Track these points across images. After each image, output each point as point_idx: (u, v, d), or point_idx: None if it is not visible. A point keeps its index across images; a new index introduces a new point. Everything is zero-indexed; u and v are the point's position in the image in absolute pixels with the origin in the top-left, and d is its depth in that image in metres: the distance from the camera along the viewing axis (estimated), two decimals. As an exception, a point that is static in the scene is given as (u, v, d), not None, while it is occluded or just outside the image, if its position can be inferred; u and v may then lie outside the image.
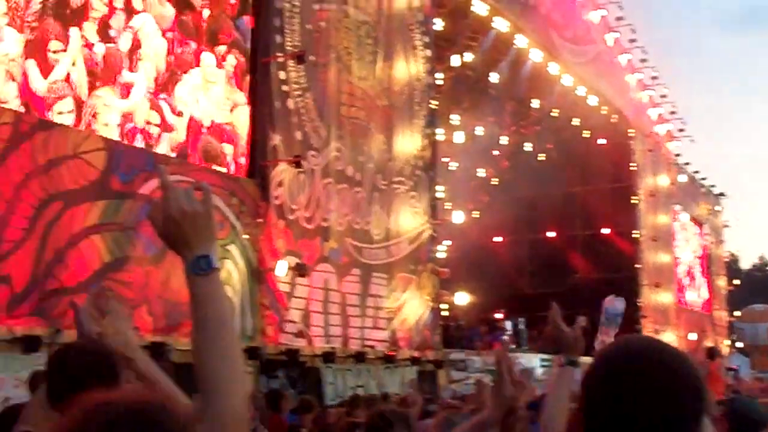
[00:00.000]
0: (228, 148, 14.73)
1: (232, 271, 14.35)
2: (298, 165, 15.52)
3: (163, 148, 13.46)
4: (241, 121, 15.07)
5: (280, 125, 15.64)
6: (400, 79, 19.63)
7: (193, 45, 14.21)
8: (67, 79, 11.95)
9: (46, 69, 11.64)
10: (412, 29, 20.27)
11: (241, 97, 14.96)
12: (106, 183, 12.31)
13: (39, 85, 11.54)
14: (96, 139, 12.33)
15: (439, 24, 21.91)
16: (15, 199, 11.01)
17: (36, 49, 11.50)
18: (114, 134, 12.77)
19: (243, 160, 15.11)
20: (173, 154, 13.80)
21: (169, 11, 13.67)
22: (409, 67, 19.99)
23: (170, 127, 13.68)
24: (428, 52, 20.88)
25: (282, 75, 15.81)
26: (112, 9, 12.68)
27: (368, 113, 18.37)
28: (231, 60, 14.82)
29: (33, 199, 11.24)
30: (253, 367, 14.20)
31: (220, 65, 14.71)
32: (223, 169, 14.72)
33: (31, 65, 11.44)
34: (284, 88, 15.85)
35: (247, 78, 15.35)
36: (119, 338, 3.03)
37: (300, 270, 15.36)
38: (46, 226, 11.36)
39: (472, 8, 22.95)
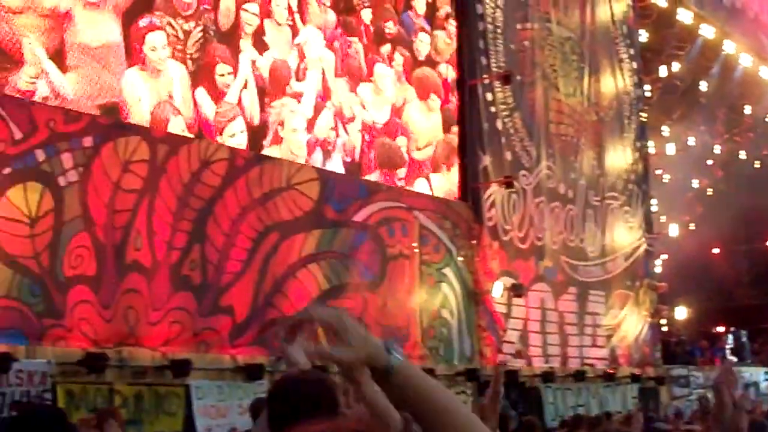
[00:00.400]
0: (402, 141, 14.14)
1: (449, 294, 14.06)
2: (509, 185, 15.10)
3: (337, 155, 12.97)
4: (412, 116, 14.45)
5: (489, 146, 15.26)
6: (607, 93, 18.96)
7: (359, 47, 13.68)
8: (240, 101, 11.74)
9: (216, 94, 11.48)
10: (617, 42, 19.58)
11: (412, 93, 14.39)
12: (320, 212, 12.23)
13: (209, 110, 11.38)
14: (309, 170, 12.26)
15: (644, 35, 21.12)
16: (233, 232, 11.06)
17: (204, 77, 11.35)
18: (302, 139, 12.49)
19: (418, 155, 14.55)
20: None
21: (331, 17, 13.28)
22: (616, 81, 19.32)
23: (344, 133, 13.20)
24: (634, 64, 20.12)
25: (489, 96, 15.43)
26: (261, 23, 12.23)
27: (577, 129, 17.77)
28: (398, 59, 14.20)
29: (251, 232, 11.26)
30: (471, 389, 13.83)
31: (389, 65, 14.17)
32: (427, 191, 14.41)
33: (201, 93, 11.31)
34: (492, 109, 15.47)
35: (415, 73, 14.67)
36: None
37: (516, 290, 14.92)
38: (264, 257, 11.37)
39: (677, 17, 21.97)
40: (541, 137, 16.60)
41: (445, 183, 14.70)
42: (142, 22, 10.70)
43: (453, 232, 14.31)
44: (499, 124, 15.53)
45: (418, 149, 14.13)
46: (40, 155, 9.37)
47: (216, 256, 10.84)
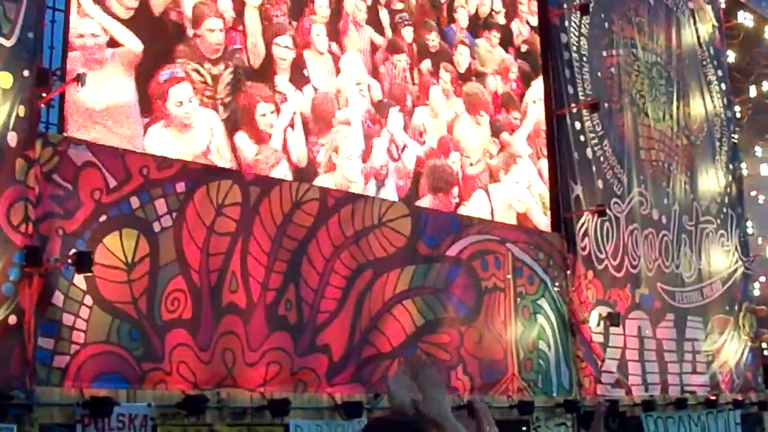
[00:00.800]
0: (454, 157, 13.37)
1: (545, 325, 13.68)
2: (602, 214, 14.69)
3: (391, 181, 12.35)
4: (462, 132, 13.70)
5: (580, 175, 14.87)
6: (697, 116, 18.44)
7: (403, 64, 13.04)
8: (285, 142, 11.16)
9: (258, 136, 10.94)
10: (704, 64, 19.08)
11: (460, 106, 13.84)
12: (413, 248, 11.99)
13: (250, 153, 10.82)
14: (400, 207, 12.05)
15: (731, 56, 20.53)
16: (327, 271, 10.90)
17: (244, 120, 10.86)
18: (356, 167, 11.95)
19: (471, 170, 13.88)
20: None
21: (373, 38, 12.87)
22: (705, 103, 18.80)
23: (396, 158, 12.56)
24: (723, 86, 19.57)
25: (578, 125, 15.06)
26: (298, 54, 11.63)
27: (668, 154, 17.25)
28: (444, 75, 13.57)
29: (344, 270, 11.09)
30: (570, 420, 13.45)
31: (437, 82, 13.54)
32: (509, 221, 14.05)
33: (242, 137, 10.82)
34: (581, 138, 15.09)
35: (461, 87, 13.95)
36: (433, 406, 2.68)
37: (612, 319, 14.43)
38: (358, 295, 11.18)
39: (764, 35, 21.32)
40: (632, 164, 16.13)
41: (504, 192, 14.06)
42: (163, 76, 10.08)
43: (547, 263, 13.93)
44: (589, 153, 15.13)
45: (471, 165, 13.56)
46: (135, 202, 9.35)
47: (311, 296, 10.68)
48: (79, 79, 8.87)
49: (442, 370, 11.82)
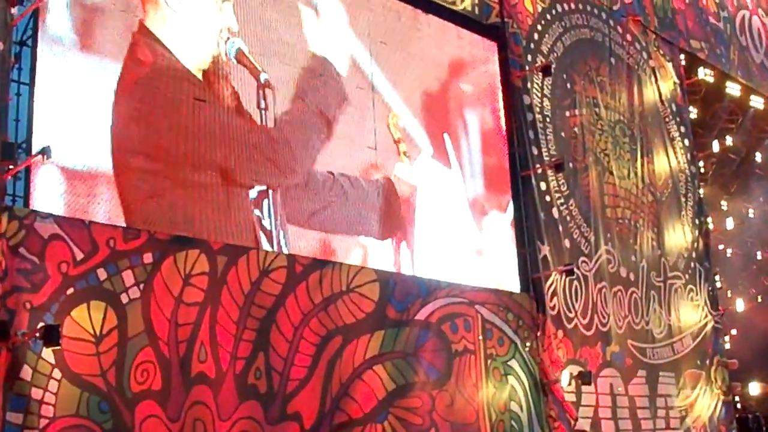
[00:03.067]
0: None
1: (517, 386, 13.78)
2: (570, 273, 14.89)
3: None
4: None
5: (547, 235, 15.06)
6: (661, 172, 18.74)
7: None
8: None
9: None
10: (667, 121, 19.45)
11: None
12: (382, 313, 12.08)
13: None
14: (368, 272, 12.15)
15: (693, 112, 20.97)
16: (296, 338, 10.96)
17: None
18: None
19: None
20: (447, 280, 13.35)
21: None
22: (669, 160, 19.11)
23: None
24: (686, 142, 19.92)
25: (543, 185, 15.30)
26: None
27: (634, 212, 17.52)
28: None
29: (314, 337, 11.15)
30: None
31: None
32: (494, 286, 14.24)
33: None
34: (547, 198, 15.32)
35: None
36: None
37: (584, 378, 14.57)
38: (329, 362, 11.24)
39: (726, 90, 21.83)
40: (599, 222, 16.37)
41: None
42: None
43: (517, 324, 14.05)
44: (555, 213, 15.36)
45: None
46: (102, 274, 9.40)
47: (281, 364, 10.72)
48: (45, 151, 8.99)
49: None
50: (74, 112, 9.84)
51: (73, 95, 9.88)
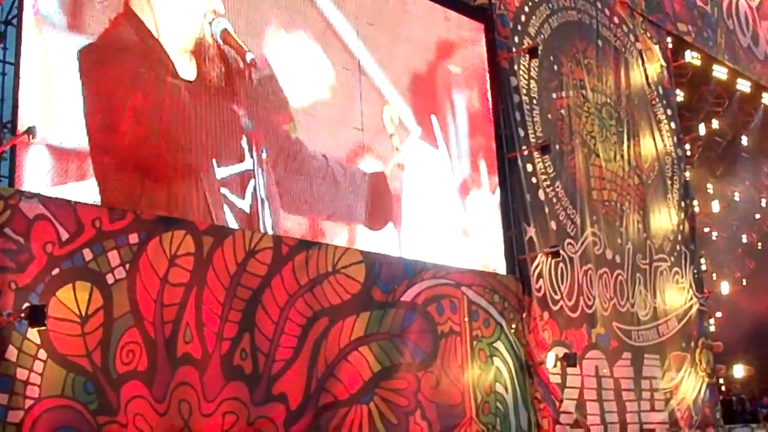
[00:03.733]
0: None
1: (502, 368, 13.85)
2: (556, 255, 14.95)
3: None
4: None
5: (533, 217, 15.12)
6: (648, 155, 18.81)
7: None
8: None
9: None
10: (653, 104, 19.49)
11: None
12: (368, 294, 12.11)
13: None
14: (354, 253, 12.17)
15: (680, 95, 21.03)
16: (282, 319, 10.98)
17: None
18: None
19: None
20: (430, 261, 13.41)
21: None
22: (655, 142, 19.18)
23: None
24: (673, 125, 19.98)
25: (529, 167, 15.34)
26: None
27: (620, 194, 17.59)
28: None
29: (300, 318, 11.18)
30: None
31: None
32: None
33: None
34: (533, 180, 15.36)
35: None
36: None
37: (569, 360, 14.66)
38: (314, 343, 11.26)
39: (712, 74, 21.90)
40: (585, 204, 16.43)
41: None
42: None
43: (503, 306, 14.11)
44: (541, 195, 15.42)
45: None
46: (88, 254, 9.39)
47: (266, 345, 10.75)
48: (30, 131, 8.99)
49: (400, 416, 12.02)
50: (61, 92, 9.82)
51: (60, 75, 9.85)
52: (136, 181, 10.31)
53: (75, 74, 9.99)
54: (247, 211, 11.29)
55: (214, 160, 11.08)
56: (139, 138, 10.39)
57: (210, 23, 11.30)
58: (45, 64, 9.79)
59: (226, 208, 11.10)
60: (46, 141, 9.57)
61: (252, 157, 11.27)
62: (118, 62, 10.36)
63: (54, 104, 9.76)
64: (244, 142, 11.40)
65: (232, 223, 11.08)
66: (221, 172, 11.13)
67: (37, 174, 9.52)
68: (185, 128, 10.89)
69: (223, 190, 11.12)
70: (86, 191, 9.82)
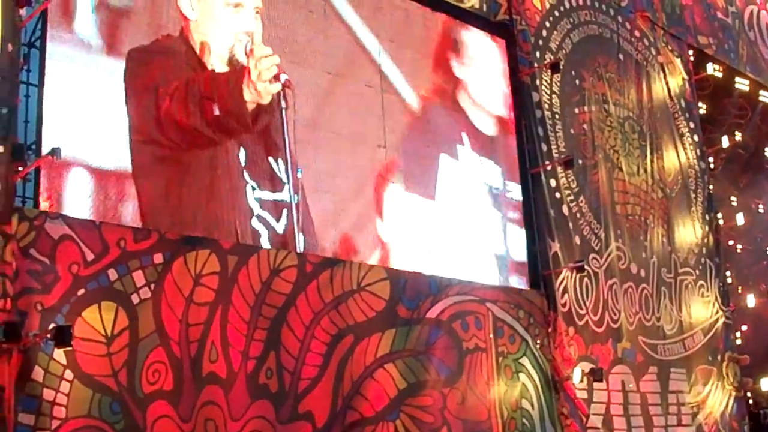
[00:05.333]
0: None
1: (528, 384, 13.73)
2: (580, 270, 14.82)
3: None
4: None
5: (557, 232, 15.01)
6: (671, 168, 18.69)
7: None
8: None
9: None
10: (676, 117, 19.38)
11: None
12: (393, 311, 12.02)
13: None
14: (378, 270, 12.09)
15: (702, 107, 20.90)
16: (308, 337, 10.91)
17: None
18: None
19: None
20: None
21: None
22: (678, 156, 19.06)
23: None
24: (696, 137, 19.85)
25: (553, 182, 15.24)
26: None
27: (644, 208, 17.47)
28: None
29: (325, 336, 11.09)
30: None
31: None
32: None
33: None
34: (557, 195, 15.26)
35: None
36: None
37: (595, 375, 14.53)
38: (340, 361, 11.18)
39: (734, 85, 21.76)
40: (609, 219, 16.32)
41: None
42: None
43: (528, 322, 13.99)
44: (565, 210, 15.30)
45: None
46: (113, 274, 9.36)
47: (292, 363, 10.66)
48: (54, 152, 8.97)
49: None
50: (90, 113, 9.84)
51: (91, 96, 9.87)
52: (174, 198, 10.37)
53: (113, 97, 10.05)
54: (281, 232, 11.24)
55: (249, 180, 11.08)
56: (186, 156, 10.48)
57: (243, 44, 11.28)
58: (78, 86, 9.80)
59: (262, 229, 11.09)
60: (83, 162, 9.62)
61: (288, 176, 11.19)
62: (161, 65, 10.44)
63: (90, 126, 9.79)
64: (279, 163, 11.38)
65: (266, 245, 11.05)
66: (257, 194, 11.13)
67: (76, 197, 9.58)
68: (220, 148, 10.87)
69: (259, 212, 11.11)
70: (127, 213, 9.90)
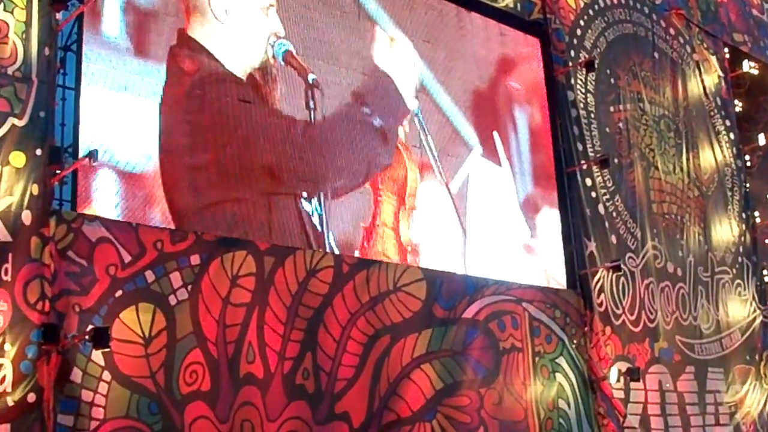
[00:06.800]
0: None
1: (564, 383, 13.58)
2: (617, 269, 14.61)
3: None
4: None
5: (593, 232, 14.83)
6: (707, 167, 18.40)
7: None
8: None
9: None
10: (712, 115, 19.10)
11: None
12: (429, 312, 11.93)
13: None
14: (414, 271, 12.01)
15: (738, 105, 20.57)
16: (344, 338, 10.86)
17: None
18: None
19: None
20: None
21: None
22: (714, 154, 18.77)
23: None
24: (732, 135, 19.54)
25: (588, 182, 15.05)
26: None
27: (680, 207, 17.20)
28: None
29: (361, 337, 11.04)
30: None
31: None
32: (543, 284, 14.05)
33: None
34: (593, 194, 15.07)
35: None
36: None
37: (632, 374, 14.34)
38: (376, 361, 11.12)
39: (771, 83, 21.44)
40: (645, 218, 16.08)
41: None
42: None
43: (564, 321, 13.85)
44: (601, 209, 15.11)
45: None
46: (150, 276, 9.36)
47: (328, 363, 10.63)
48: (91, 155, 8.93)
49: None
50: (125, 116, 9.82)
51: (122, 99, 9.85)
52: (217, 205, 10.36)
53: (143, 99, 10.02)
54: (320, 230, 11.22)
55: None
56: (218, 159, 10.45)
57: (272, 45, 11.25)
58: (109, 89, 9.77)
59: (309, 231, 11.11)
60: (115, 165, 9.61)
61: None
62: (195, 92, 10.44)
63: (122, 129, 9.77)
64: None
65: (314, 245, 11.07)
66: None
67: (107, 198, 9.55)
68: (263, 149, 10.90)
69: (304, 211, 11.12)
70: (157, 215, 9.85)
